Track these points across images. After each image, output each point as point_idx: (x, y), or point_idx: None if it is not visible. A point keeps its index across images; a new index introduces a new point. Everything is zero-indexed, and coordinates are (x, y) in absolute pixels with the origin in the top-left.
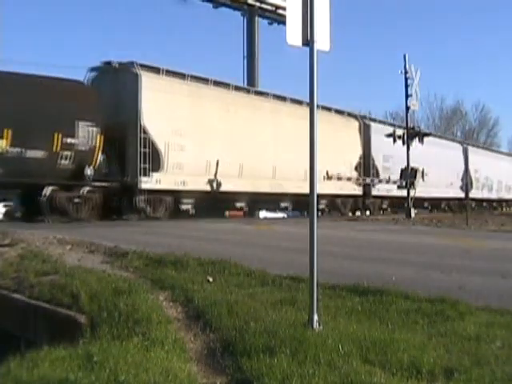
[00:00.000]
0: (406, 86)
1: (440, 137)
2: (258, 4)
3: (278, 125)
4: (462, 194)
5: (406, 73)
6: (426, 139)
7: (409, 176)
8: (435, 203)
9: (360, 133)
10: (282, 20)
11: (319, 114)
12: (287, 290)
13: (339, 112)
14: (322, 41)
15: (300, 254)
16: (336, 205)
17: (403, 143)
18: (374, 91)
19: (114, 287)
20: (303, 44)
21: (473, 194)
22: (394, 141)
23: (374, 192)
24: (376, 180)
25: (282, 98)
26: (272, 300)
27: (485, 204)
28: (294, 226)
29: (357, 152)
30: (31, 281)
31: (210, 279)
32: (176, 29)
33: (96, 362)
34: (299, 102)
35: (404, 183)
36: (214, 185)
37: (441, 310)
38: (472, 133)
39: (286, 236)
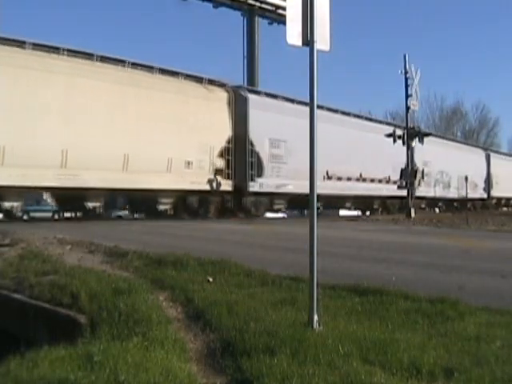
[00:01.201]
0: (406, 85)
1: (371, 119)
2: (257, 4)
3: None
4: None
5: (406, 73)
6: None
7: (409, 176)
8: (365, 202)
9: (230, 107)
10: (281, 20)
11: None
12: (287, 290)
13: (195, 78)
14: (321, 41)
15: (300, 253)
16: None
17: (403, 143)
18: (374, 91)
19: (114, 287)
20: (303, 44)
21: (420, 191)
22: (394, 141)
23: (255, 188)
24: (254, 172)
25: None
26: (272, 300)
27: (440, 203)
28: (293, 225)
29: (223, 133)
30: (31, 281)
31: (210, 279)
32: (176, 29)
33: (96, 361)
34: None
35: (404, 183)
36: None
37: (441, 310)
38: (472, 133)
39: (285, 236)
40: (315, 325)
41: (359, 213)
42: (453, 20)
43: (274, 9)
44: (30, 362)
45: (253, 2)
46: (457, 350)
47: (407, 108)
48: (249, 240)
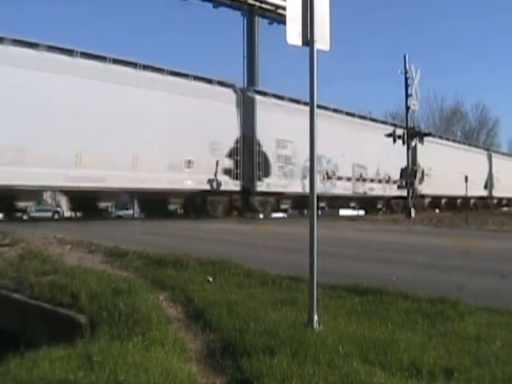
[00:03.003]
0: (406, 86)
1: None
2: (257, 4)
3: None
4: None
5: (406, 73)
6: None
7: (409, 176)
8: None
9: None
10: (282, 20)
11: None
12: (287, 289)
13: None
14: (321, 41)
15: (300, 253)
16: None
17: (403, 143)
18: (374, 91)
19: (114, 287)
20: (303, 44)
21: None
22: (394, 141)
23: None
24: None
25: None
26: (272, 300)
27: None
28: (293, 225)
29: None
30: (31, 281)
31: (210, 279)
32: (176, 29)
33: (96, 361)
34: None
35: (404, 183)
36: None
37: (441, 310)
38: (472, 133)
39: (285, 236)
40: (315, 325)
41: (363, 212)
42: (453, 20)
43: (274, 9)
44: (29, 362)
45: (253, 2)
46: (457, 350)
47: (407, 108)
48: (249, 240)
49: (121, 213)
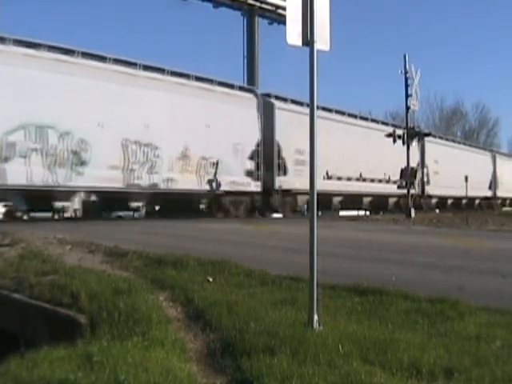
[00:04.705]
0: (406, 85)
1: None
2: (257, 4)
3: None
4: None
5: (406, 73)
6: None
7: (409, 176)
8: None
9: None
10: (282, 20)
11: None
12: (287, 290)
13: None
14: (321, 41)
15: (300, 254)
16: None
17: (403, 143)
18: (374, 91)
19: (114, 287)
20: (303, 44)
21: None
22: (394, 141)
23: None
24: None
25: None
26: (272, 300)
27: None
28: (293, 225)
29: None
30: (31, 281)
31: (210, 279)
32: (176, 29)
33: (96, 361)
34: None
35: (404, 183)
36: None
37: (441, 310)
38: (472, 133)
39: (285, 236)
40: (315, 325)
41: (362, 213)
42: (453, 20)
43: (274, 9)
44: (29, 362)
45: (253, 2)
46: (457, 350)
47: (407, 108)
48: (249, 240)
49: (121, 213)
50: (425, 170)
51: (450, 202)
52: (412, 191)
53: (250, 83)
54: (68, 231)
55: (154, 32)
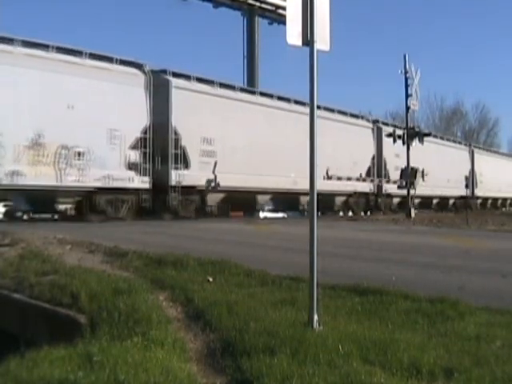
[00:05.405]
0: (406, 85)
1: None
2: (257, 4)
3: None
4: None
5: (406, 73)
6: None
7: (409, 176)
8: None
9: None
10: (282, 20)
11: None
12: (287, 290)
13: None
14: (321, 41)
15: (300, 254)
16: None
17: (403, 143)
18: (374, 91)
19: (114, 287)
20: (303, 44)
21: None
22: (394, 141)
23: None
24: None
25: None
26: (272, 300)
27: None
28: (293, 226)
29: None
30: (31, 281)
31: (210, 279)
32: (176, 29)
33: (96, 361)
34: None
35: (404, 183)
36: None
37: (441, 310)
38: (472, 133)
39: (285, 236)
40: (315, 325)
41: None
42: (453, 20)
43: (274, 9)
44: (29, 361)
45: (253, 2)
46: (457, 350)
47: (407, 108)
48: (249, 240)
49: None
50: (383, 164)
51: (416, 201)
52: (367, 189)
53: (250, 83)
54: (68, 231)
55: (154, 32)
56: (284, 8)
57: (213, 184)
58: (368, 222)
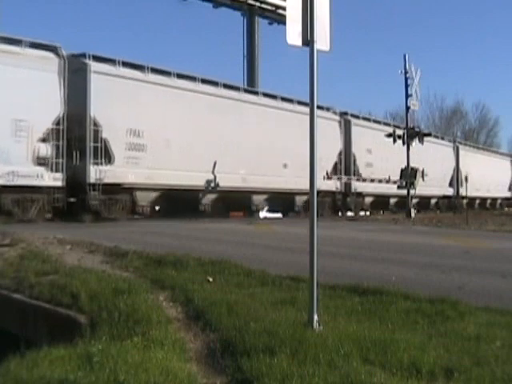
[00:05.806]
0: (406, 85)
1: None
2: (257, 4)
3: None
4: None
5: (406, 73)
6: None
7: (409, 176)
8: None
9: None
10: (282, 20)
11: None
12: (287, 290)
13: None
14: (321, 41)
15: (300, 254)
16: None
17: (403, 143)
18: (374, 91)
19: (114, 287)
20: (303, 44)
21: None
22: (394, 141)
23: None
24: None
25: None
26: (272, 300)
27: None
28: (293, 226)
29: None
30: (31, 281)
31: (210, 279)
32: (176, 29)
33: (96, 361)
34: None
35: (404, 183)
36: None
37: (441, 310)
38: (472, 133)
39: (285, 236)
40: (315, 325)
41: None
42: (453, 19)
43: (274, 9)
44: (29, 361)
45: (253, 2)
46: (457, 350)
47: (407, 108)
48: (249, 240)
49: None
50: (352, 160)
51: (392, 201)
52: (333, 188)
53: (250, 83)
54: (68, 231)
55: (154, 32)
56: (284, 8)
57: (212, 184)
58: (368, 221)
